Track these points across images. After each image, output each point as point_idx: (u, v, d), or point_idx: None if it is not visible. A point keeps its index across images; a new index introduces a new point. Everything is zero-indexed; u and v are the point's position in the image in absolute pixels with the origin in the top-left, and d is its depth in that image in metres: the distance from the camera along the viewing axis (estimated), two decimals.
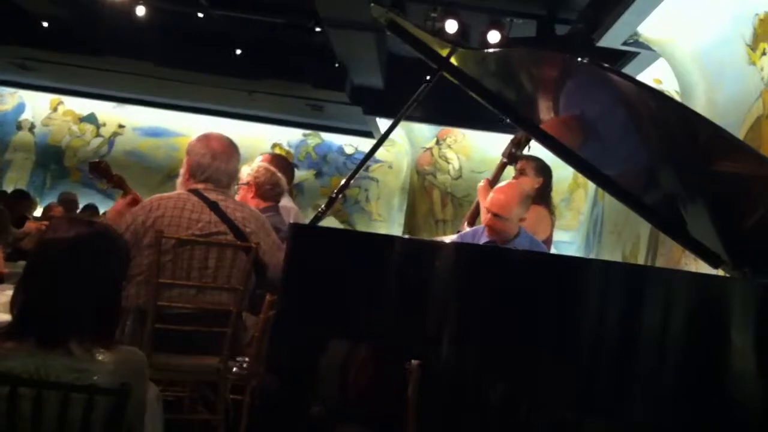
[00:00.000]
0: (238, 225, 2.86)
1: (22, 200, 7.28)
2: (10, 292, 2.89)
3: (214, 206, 2.86)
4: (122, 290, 2.05)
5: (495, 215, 3.29)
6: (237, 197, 3.60)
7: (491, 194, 3.38)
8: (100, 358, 1.68)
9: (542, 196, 3.90)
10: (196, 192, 2.89)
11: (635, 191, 2.48)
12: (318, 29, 7.15)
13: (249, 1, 6.87)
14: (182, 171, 3.01)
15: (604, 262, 3.89)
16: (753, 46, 4.47)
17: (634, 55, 6.13)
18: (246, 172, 3.71)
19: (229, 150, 2.98)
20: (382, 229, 10.76)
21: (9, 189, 9.11)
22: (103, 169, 3.26)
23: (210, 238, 2.81)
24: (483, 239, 3.38)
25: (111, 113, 11.41)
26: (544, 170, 3.96)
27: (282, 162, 4.22)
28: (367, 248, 2.10)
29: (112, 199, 9.08)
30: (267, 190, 3.66)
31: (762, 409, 1.87)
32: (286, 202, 3.95)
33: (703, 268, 2.49)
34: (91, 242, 1.76)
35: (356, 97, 8.60)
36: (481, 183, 3.91)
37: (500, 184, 3.51)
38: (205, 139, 2.98)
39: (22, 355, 1.64)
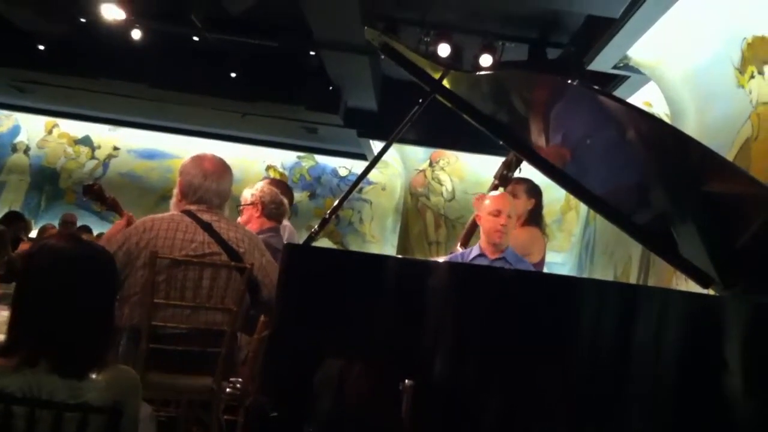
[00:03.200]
0: (232, 245, 2.86)
1: (16, 221, 7.25)
2: (4, 313, 2.90)
3: (207, 227, 2.86)
4: (114, 308, 2.05)
5: (498, 213, 3.39)
6: (242, 218, 3.64)
7: (485, 203, 3.48)
8: (93, 376, 1.67)
9: (534, 217, 3.90)
10: (189, 213, 2.88)
11: (626, 212, 2.49)
12: (312, 52, 7.21)
13: (243, 24, 6.92)
14: (175, 192, 3.01)
15: (598, 281, 3.90)
16: (741, 69, 4.53)
17: (625, 78, 6.19)
18: (249, 193, 3.75)
19: (220, 170, 2.98)
20: (375, 250, 10.75)
21: (4, 210, 9.09)
22: (97, 192, 3.26)
23: (204, 259, 2.82)
24: (472, 257, 3.41)
25: (106, 135, 11.43)
26: (534, 191, 3.95)
27: (282, 185, 4.29)
28: (361, 268, 2.11)
29: (107, 221, 9.07)
30: (272, 209, 3.72)
31: (754, 426, 1.88)
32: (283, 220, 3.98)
33: (694, 288, 2.51)
34: (77, 258, 1.74)
35: (350, 120, 8.64)
36: (477, 197, 3.93)
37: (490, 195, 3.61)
38: (198, 159, 2.98)
39: (15, 374, 1.62)
